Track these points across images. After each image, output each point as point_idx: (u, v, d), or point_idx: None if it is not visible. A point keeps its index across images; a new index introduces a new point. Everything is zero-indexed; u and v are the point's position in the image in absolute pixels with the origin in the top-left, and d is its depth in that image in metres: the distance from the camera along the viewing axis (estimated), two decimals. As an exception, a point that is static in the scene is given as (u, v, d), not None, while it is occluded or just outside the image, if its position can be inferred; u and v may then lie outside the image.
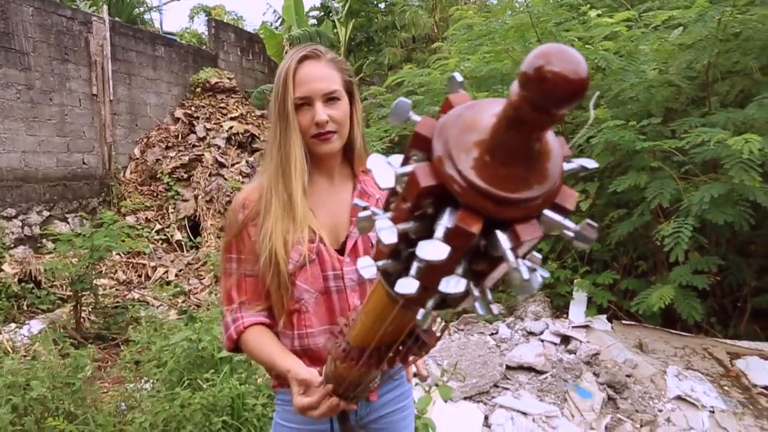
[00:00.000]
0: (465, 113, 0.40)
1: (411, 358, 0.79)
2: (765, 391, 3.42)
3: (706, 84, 3.83)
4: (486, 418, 2.92)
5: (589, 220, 0.41)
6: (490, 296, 0.45)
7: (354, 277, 1.23)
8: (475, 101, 0.42)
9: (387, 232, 0.43)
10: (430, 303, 0.49)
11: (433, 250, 0.39)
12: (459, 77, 0.45)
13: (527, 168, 0.38)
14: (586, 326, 3.85)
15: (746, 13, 3.28)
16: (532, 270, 0.41)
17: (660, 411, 3.13)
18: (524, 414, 2.88)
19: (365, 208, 0.46)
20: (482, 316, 0.48)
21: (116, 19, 7.64)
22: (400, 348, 0.77)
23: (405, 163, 0.43)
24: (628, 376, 3.28)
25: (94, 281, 4.42)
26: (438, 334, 0.77)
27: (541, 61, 0.33)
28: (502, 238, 0.39)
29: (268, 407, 2.34)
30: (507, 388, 3.12)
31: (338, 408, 1.06)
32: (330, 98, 1.17)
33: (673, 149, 3.23)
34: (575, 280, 4.11)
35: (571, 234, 0.41)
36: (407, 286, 0.44)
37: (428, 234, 0.42)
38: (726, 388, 3.41)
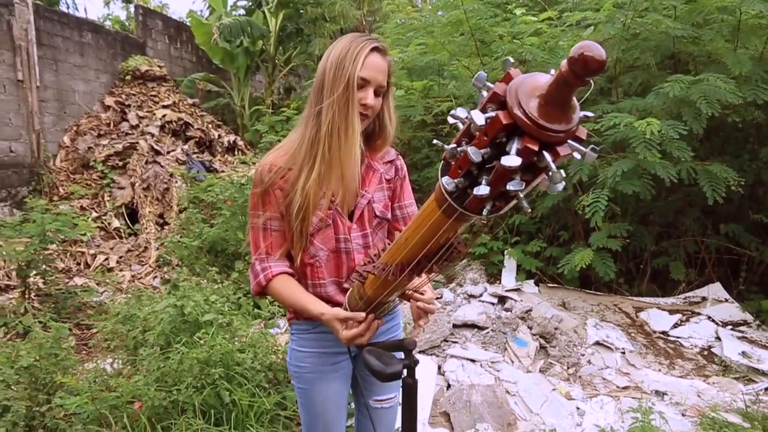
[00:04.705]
0: (527, 80, 0.69)
1: (445, 264, 1.03)
2: (662, 335, 4.09)
3: (613, 77, 4.43)
4: (439, 367, 3.33)
5: (593, 146, 0.71)
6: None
7: (360, 241, 1.47)
8: (528, 74, 0.71)
9: (476, 153, 0.70)
10: (488, 206, 0.77)
11: (512, 160, 0.65)
12: (511, 60, 0.74)
13: (564, 112, 0.66)
14: (516, 290, 4.37)
15: (644, 17, 3.87)
16: (563, 176, 0.70)
17: (582, 355, 3.68)
18: (472, 361, 3.31)
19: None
20: (525, 209, 0.75)
21: (39, 2, 7.34)
22: (441, 257, 1.00)
23: (484, 111, 0.71)
24: (555, 328, 3.81)
25: (43, 267, 4.39)
26: (466, 246, 1.01)
27: (582, 50, 0.58)
28: (547, 155, 0.66)
29: (255, 361, 2.61)
30: (455, 342, 3.55)
31: (378, 327, 1.30)
32: (378, 90, 1.38)
33: (589, 131, 3.76)
34: (506, 250, 4.62)
35: (581, 155, 0.70)
36: (482, 189, 0.71)
37: (495, 158, 0.69)
38: (633, 334, 4.03)
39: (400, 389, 1.24)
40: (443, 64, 4.73)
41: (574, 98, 0.68)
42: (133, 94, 8.11)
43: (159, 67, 8.65)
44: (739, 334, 3.99)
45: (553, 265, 4.60)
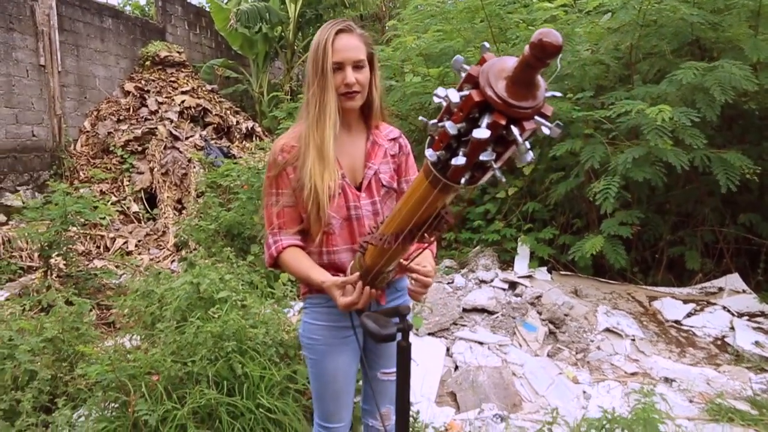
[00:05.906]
0: (496, 63, 0.78)
1: (435, 233, 1.12)
2: (674, 324, 4.07)
3: (629, 63, 4.40)
4: (448, 349, 3.38)
5: (558, 122, 0.79)
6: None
7: (369, 209, 1.57)
8: (499, 57, 0.79)
9: (452, 127, 0.80)
10: (466, 177, 0.86)
11: (482, 132, 0.74)
12: (487, 45, 0.82)
13: (529, 91, 0.75)
14: (529, 277, 4.38)
15: (661, 2, 3.83)
16: (528, 148, 0.79)
17: (592, 341, 3.70)
18: (481, 344, 3.36)
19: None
20: (499, 179, 0.85)
21: (61, -12, 7.46)
22: (430, 226, 1.10)
23: (460, 90, 0.81)
24: (565, 314, 3.82)
25: (65, 248, 4.52)
26: (455, 217, 1.10)
27: (540, 36, 0.67)
28: (515, 129, 0.76)
29: (267, 336, 2.68)
30: (464, 325, 3.59)
31: (373, 296, 1.37)
32: (357, 65, 1.47)
33: (602, 118, 3.76)
34: (519, 237, 4.63)
35: (548, 129, 0.78)
36: (459, 160, 0.81)
37: (470, 132, 0.77)
38: (644, 322, 4.03)
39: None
40: (459, 51, 4.73)
41: (540, 78, 0.77)
42: (153, 80, 8.24)
43: (178, 52, 8.76)
44: (755, 325, 3.96)
45: (566, 252, 4.60)
